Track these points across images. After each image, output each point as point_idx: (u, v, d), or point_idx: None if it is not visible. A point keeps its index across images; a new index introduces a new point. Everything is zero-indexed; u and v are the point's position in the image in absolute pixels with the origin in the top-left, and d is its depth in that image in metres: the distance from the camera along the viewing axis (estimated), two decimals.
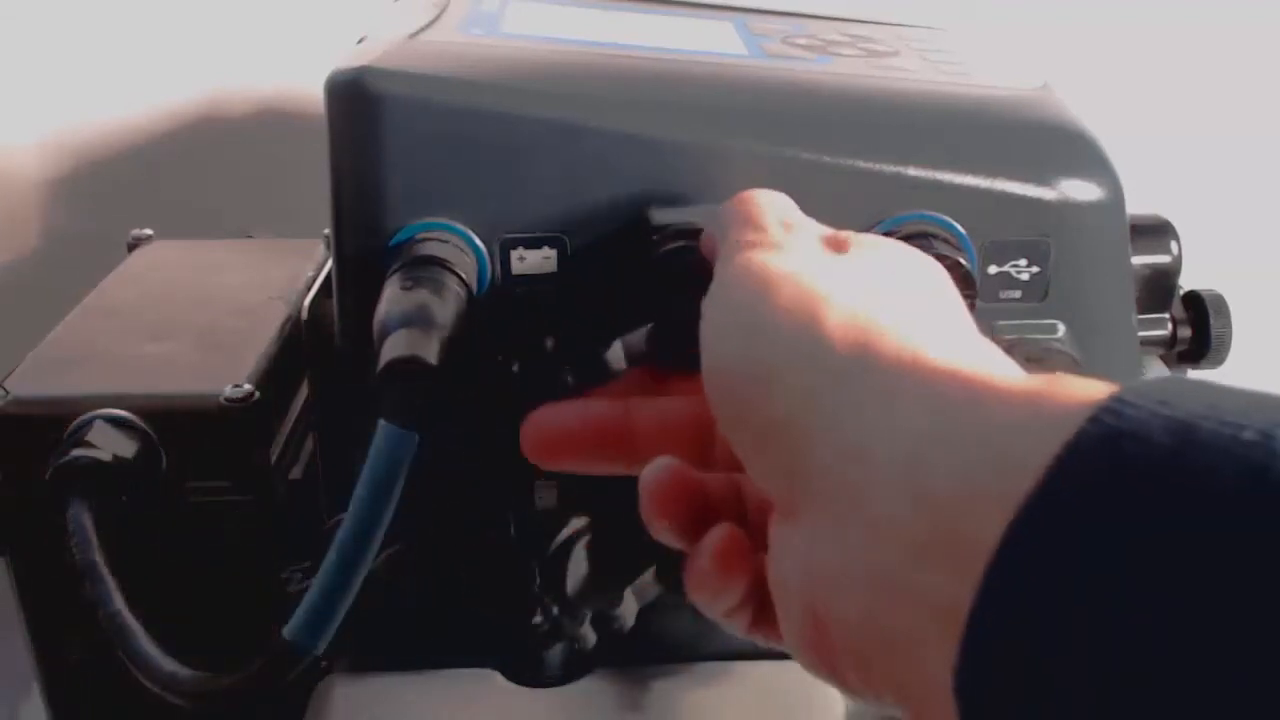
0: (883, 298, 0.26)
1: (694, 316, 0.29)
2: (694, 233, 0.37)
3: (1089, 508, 0.18)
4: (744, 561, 0.28)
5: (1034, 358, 0.39)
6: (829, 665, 0.24)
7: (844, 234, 0.31)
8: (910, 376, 0.23)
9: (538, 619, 0.41)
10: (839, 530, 0.23)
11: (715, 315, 0.28)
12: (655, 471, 0.29)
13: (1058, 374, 0.21)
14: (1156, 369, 0.49)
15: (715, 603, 0.29)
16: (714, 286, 0.28)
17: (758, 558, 0.28)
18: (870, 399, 0.23)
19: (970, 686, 0.19)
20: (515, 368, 0.39)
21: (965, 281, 0.37)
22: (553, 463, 0.35)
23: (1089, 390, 0.20)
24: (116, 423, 0.40)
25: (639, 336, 0.39)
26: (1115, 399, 0.19)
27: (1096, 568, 0.17)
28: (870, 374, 0.24)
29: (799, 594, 0.24)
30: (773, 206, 0.31)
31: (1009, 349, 0.39)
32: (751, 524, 0.30)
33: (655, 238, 0.37)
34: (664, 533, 0.30)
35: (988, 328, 0.40)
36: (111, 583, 0.36)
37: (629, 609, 0.41)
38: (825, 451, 0.24)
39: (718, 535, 0.28)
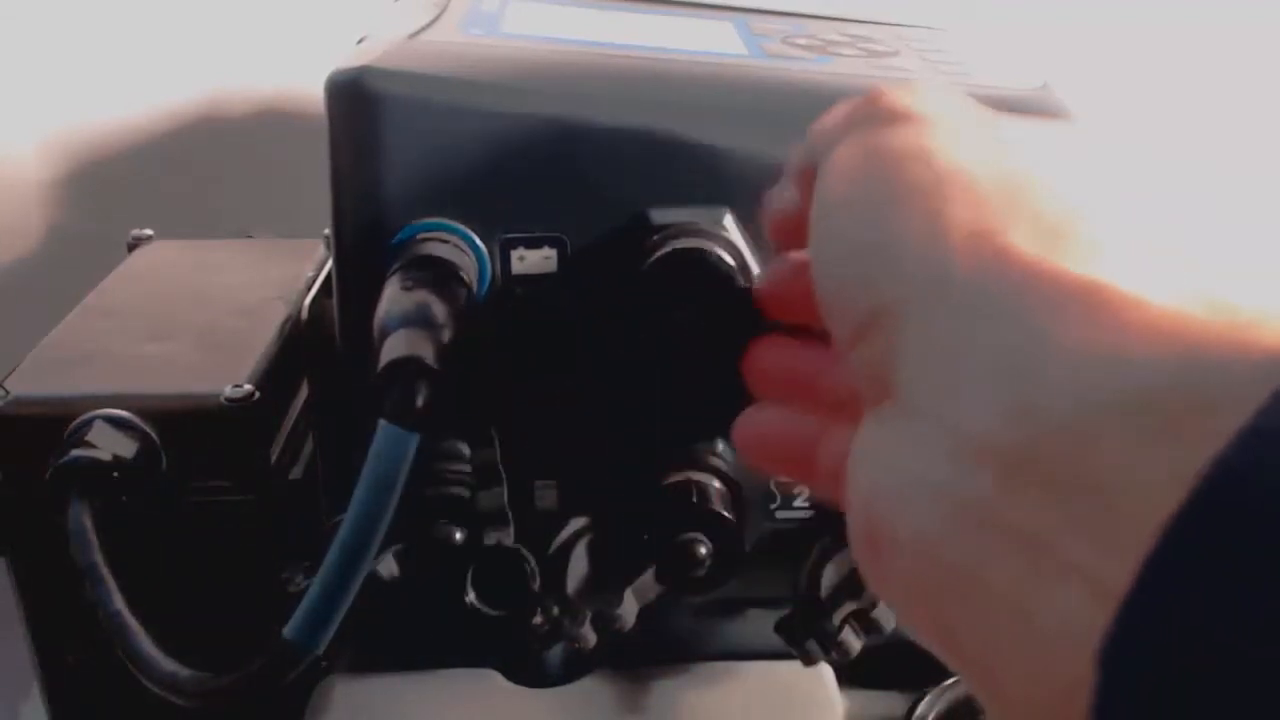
0: (1031, 188, 0.21)
1: (685, 324, 0.29)
2: (690, 233, 0.37)
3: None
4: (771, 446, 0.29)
5: None
6: (879, 586, 0.22)
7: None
8: (1031, 286, 0.19)
9: (538, 619, 0.41)
10: (917, 434, 0.20)
11: (829, 191, 0.24)
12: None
13: (1243, 313, 0.17)
14: None
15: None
16: (827, 167, 0.25)
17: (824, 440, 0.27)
18: (981, 304, 0.20)
19: (1121, 660, 0.15)
20: (516, 369, 0.39)
21: None
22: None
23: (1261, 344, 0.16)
24: (116, 423, 0.40)
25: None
26: None
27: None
28: (990, 278, 0.20)
29: (861, 500, 0.22)
30: (919, 86, 0.27)
31: None
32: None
33: (646, 244, 0.37)
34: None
35: None
36: (111, 583, 0.36)
37: (629, 609, 0.41)
38: (921, 351, 0.21)
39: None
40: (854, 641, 0.41)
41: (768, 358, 0.32)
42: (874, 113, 0.25)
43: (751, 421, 0.31)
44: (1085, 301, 0.18)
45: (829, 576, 0.41)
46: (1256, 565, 0.14)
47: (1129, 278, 0.18)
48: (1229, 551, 0.14)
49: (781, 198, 0.30)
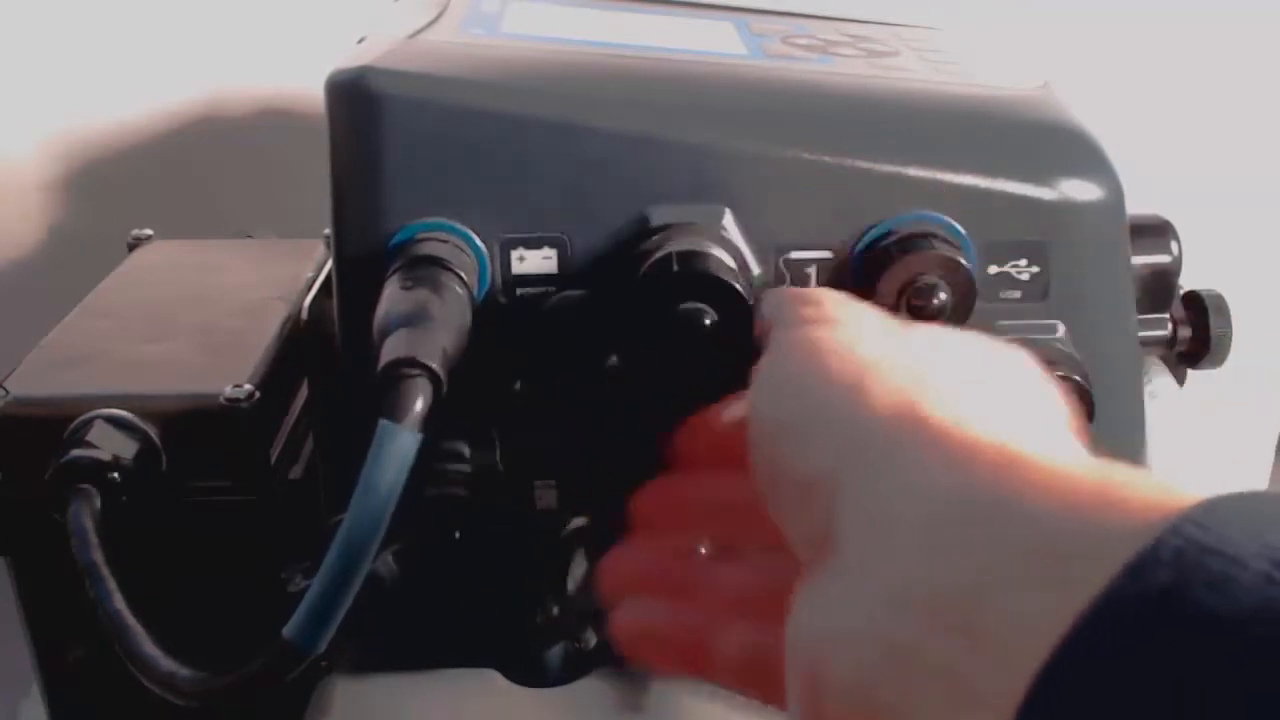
0: (936, 370, 0.25)
1: (684, 324, 0.29)
2: (690, 233, 0.37)
3: (1153, 642, 0.16)
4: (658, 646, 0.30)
5: (1035, 358, 0.39)
6: None
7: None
8: (945, 446, 0.22)
9: (538, 619, 0.41)
10: (851, 582, 0.23)
11: (766, 380, 0.28)
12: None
13: (1118, 474, 0.20)
14: (1156, 369, 0.49)
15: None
16: (766, 356, 0.28)
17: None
18: (906, 464, 0.23)
19: None
20: (516, 369, 0.39)
21: (965, 281, 0.37)
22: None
23: (1157, 498, 0.19)
24: (116, 423, 0.40)
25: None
26: (1192, 517, 0.18)
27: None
28: (907, 440, 0.23)
29: (802, 651, 0.24)
30: (831, 292, 0.31)
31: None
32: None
33: (646, 244, 0.37)
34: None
35: (988, 329, 0.40)
36: (111, 582, 0.36)
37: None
38: (856, 511, 0.23)
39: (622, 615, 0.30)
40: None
41: (632, 563, 0.34)
42: (800, 315, 0.29)
43: (632, 620, 0.33)
44: (994, 462, 0.21)
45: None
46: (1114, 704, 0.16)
47: (1027, 439, 0.22)
48: (1092, 694, 0.17)
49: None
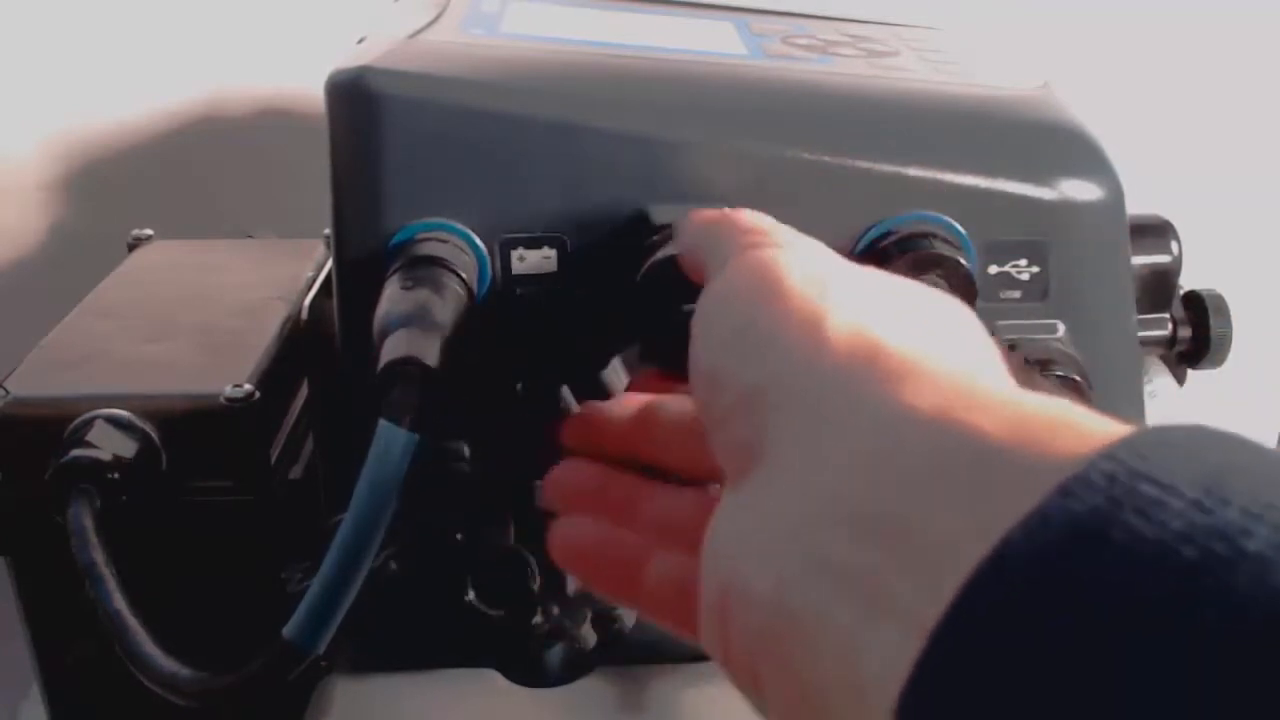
0: (892, 301, 0.25)
1: (684, 325, 0.29)
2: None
3: (1051, 587, 0.16)
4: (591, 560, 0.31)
5: (1035, 358, 0.39)
6: (724, 651, 0.24)
7: None
8: (897, 376, 0.22)
9: (538, 619, 0.41)
10: (778, 491, 0.22)
11: (718, 294, 0.27)
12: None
13: (1065, 410, 0.20)
14: (1156, 369, 0.49)
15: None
16: (715, 282, 0.28)
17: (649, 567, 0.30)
18: (852, 385, 0.23)
19: (917, 702, 0.18)
20: (516, 371, 0.39)
21: (965, 281, 0.37)
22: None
23: (1101, 430, 0.18)
24: (116, 423, 0.40)
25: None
26: (1132, 443, 0.17)
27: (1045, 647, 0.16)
28: (859, 367, 0.23)
29: (718, 563, 0.24)
30: (767, 219, 0.31)
31: (1009, 349, 0.39)
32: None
33: (646, 244, 0.37)
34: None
35: (989, 328, 0.40)
36: (111, 582, 0.36)
37: (629, 609, 0.41)
38: (792, 423, 0.23)
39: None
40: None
41: (575, 478, 0.34)
42: (749, 240, 0.29)
43: (568, 535, 0.33)
44: (941, 390, 0.21)
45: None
46: (1023, 639, 0.16)
47: (986, 372, 0.23)
48: (1012, 615, 0.17)
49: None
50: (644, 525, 0.32)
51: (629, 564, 0.31)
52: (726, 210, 0.31)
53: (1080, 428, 0.19)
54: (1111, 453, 0.17)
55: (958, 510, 0.19)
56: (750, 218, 0.30)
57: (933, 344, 0.23)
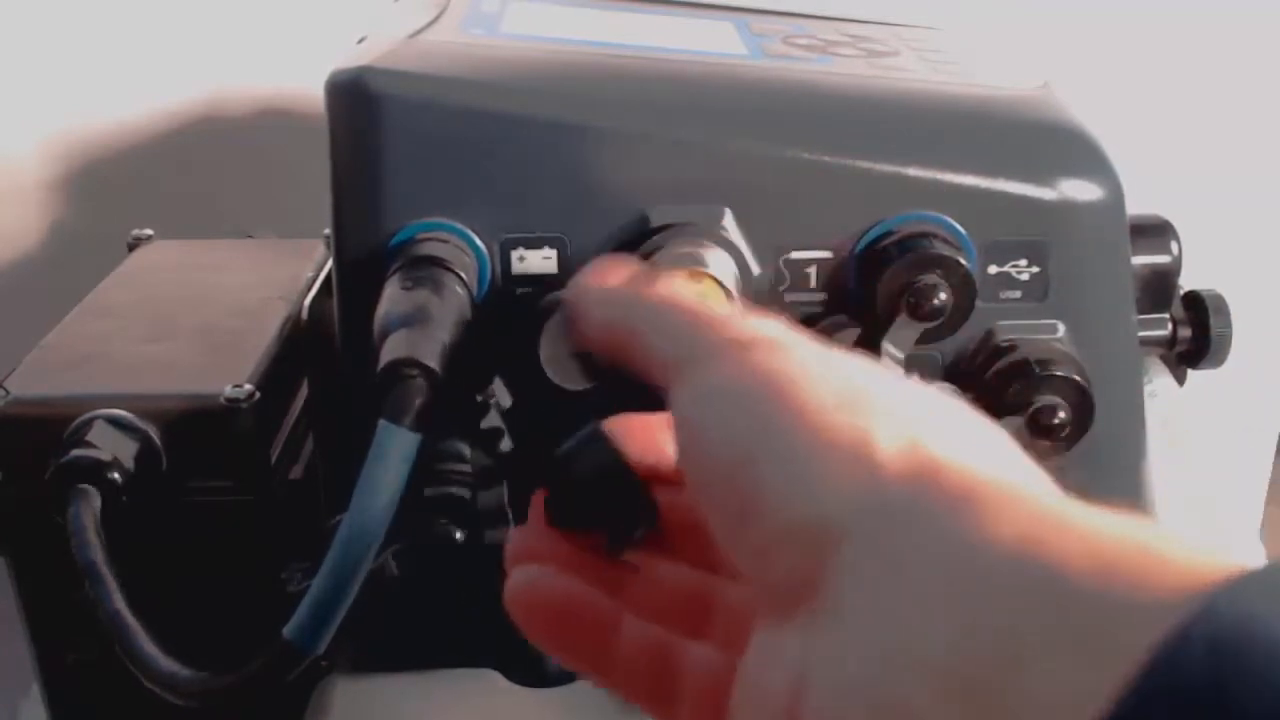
0: (920, 403, 0.23)
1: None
2: (690, 233, 0.37)
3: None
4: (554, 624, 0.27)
5: (1035, 358, 0.39)
6: None
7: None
8: (963, 500, 0.20)
9: None
10: (847, 638, 0.21)
11: (717, 419, 0.24)
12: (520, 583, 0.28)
13: (1154, 539, 0.18)
14: (1156, 369, 0.49)
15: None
16: (705, 385, 0.25)
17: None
18: (923, 518, 0.21)
19: None
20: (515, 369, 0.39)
21: (965, 281, 0.37)
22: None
23: (1193, 570, 0.17)
24: (116, 423, 0.40)
25: None
26: (1229, 592, 0.16)
27: None
28: (924, 492, 0.21)
29: (779, 701, 0.22)
30: (704, 301, 0.28)
31: (1010, 349, 0.40)
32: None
33: (645, 245, 0.37)
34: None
35: (989, 328, 0.40)
36: (111, 582, 0.36)
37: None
38: (859, 561, 0.21)
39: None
40: None
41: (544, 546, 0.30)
42: (732, 339, 0.26)
43: (530, 583, 0.28)
44: (1017, 515, 0.19)
45: None
46: None
47: (1035, 482, 0.21)
48: None
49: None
50: (626, 596, 0.29)
51: (599, 628, 0.28)
52: (677, 296, 0.28)
53: (1164, 557, 0.18)
54: (1211, 606, 0.16)
55: (1050, 673, 0.17)
56: (699, 310, 0.27)
57: (983, 455, 0.22)
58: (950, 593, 0.19)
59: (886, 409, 0.23)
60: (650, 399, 0.27)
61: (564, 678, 0.45)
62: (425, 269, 0.36)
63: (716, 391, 0.25)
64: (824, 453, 0.22)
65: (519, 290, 0.38)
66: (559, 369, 0.36)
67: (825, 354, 0.25)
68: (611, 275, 0.29)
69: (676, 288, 0.28)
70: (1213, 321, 0.46)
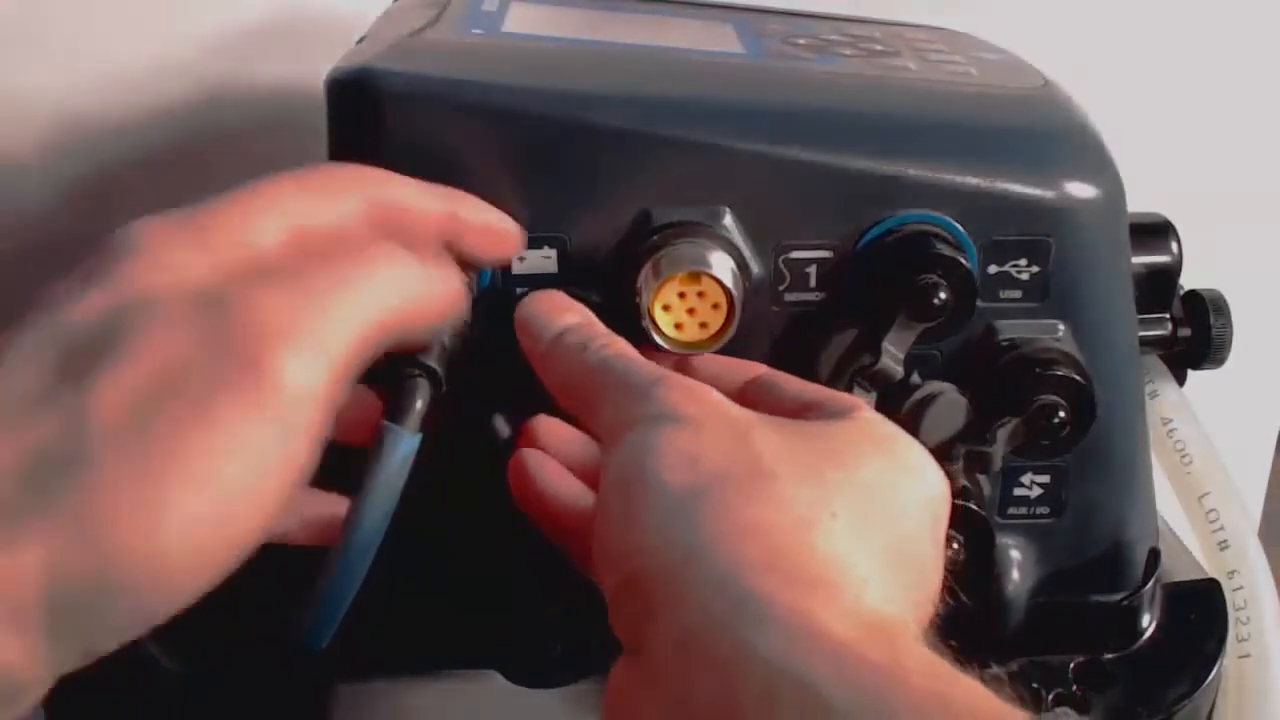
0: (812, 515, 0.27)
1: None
2: (690, 233, 0.36)
3: None
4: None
5: (1035, 358, 0.39)
6: None
7: (761, 378, 0.34)
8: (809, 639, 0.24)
9: (538, 619, 0.41)
10: (652, 691, 0.25)
11: (639, 494, 0.28)
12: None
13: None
14: (1157, 369, 0.49)
15: None
16: (626, 463, 0.29)
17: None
18: (772, 626, 0.24)
19: None
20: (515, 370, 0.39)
21: (965, 281, 0.37)
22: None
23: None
24: None
25: None
26: None
27: None
28: (776, 603, 0.24)
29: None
30: (625, 363, 0.32)
31: (1010, 349, 0.40)
32: None
33: (645, 245, 0.37)
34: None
35: (989, 328, 0.40)
36: None
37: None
38: (668, 627, 0.25)
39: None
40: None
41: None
42: (657, 411, 0.29)
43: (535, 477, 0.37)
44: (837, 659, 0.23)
45: None
46: None
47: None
48: None
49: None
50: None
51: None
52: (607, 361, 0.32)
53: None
54: None
55: None
56: (611, 374, 0.32)
57: (859, 575, 0.26)
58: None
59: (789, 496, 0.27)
60: None
61: (564, 678, 0.45)
62: None
63: (626, 475, 0.28)
64: (697, 554, 0.26)
65: (519, 290, 0.38)
66: None
67: (713, 435, 0.28)
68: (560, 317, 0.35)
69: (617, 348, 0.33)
70: (1213, 321, 0.46)
